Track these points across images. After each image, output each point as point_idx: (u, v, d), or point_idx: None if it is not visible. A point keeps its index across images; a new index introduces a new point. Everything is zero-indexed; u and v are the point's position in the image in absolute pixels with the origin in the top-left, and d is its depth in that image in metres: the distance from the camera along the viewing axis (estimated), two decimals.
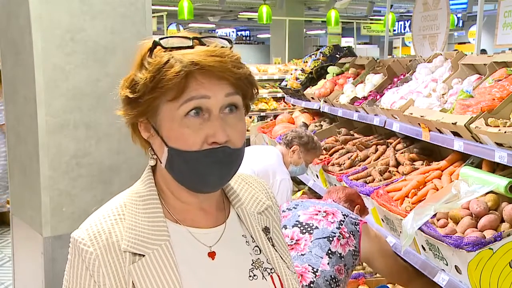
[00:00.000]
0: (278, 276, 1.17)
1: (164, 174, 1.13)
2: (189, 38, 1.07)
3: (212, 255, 1.12)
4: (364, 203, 2.85)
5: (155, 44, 1.07)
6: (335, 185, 3.45)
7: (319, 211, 2.47)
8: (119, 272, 1.05)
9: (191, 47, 1.06)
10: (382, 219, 2.85)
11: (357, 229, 2.45)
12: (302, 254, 2.30)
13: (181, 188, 1.11)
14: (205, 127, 1.04)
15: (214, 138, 1.04)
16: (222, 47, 1.07)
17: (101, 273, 1.05)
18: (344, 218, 2.45)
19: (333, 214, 2.45)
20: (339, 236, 2.36)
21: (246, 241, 1.18)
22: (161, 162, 1.10)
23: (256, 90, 1.12)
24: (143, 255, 1.06)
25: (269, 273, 1.16)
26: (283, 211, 2.55)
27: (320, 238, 2.34)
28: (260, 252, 1.18)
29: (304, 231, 2.39)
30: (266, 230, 1.21)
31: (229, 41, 1.10)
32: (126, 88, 1.09)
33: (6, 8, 2.98)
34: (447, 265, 2.22)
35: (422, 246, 2.41)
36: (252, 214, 1.21)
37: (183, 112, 1.03)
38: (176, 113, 1.04)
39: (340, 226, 2.40)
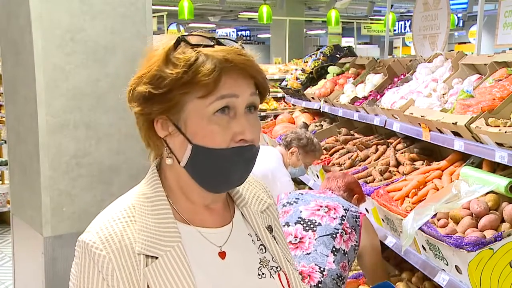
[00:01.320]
0: (285, 273, 1.18)
1: (178, 173, 1.11)
2: (208, 38, 1.07)
3: (222, 255, 1.12)
4: (362, 190, 2.85)
5: (179, 40, 1.06)
6: None
7: (321, 206, 2.46)
8: (133, 275, 1.04)
9: (212, 46, 1.06)
10: (383, 219, 2.85)
11: (358, 223, 2.45)
12: (307, 253, 2.30)
13: (194, 188, 1.11)
14: (232, 125, 1.05)
15: (242, 136, 1.05)
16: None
17: (115, 277, 1.03)
18: (346, 212, 2.44)
19: (334, 209, 2.44)
20: (342, 232, 2.36)
21: (252, 240, 1.19)
22: (179, 162, 1.09)
23: (269, 92, 1.14)
24: (156, 257, 1.05)
25: (275, 271, 1.17)
26: (284, 205, 2.54)
27: (323, 236, 2.34)
28: (266, 251, 1.19)
29: (307, 228, 2.38)
30: (269, 228, 1.22)
31: (241, 45, 1.10)
32: (145, 84, 1.05)
33: (6, 8, 2.98)
34: (447, 265, 2.22)
35: (422, 246, 2.40)
36: (256, 213, 1.21)
37: (213, 109, 1.03)
38: (205, 110, 1.03)
39: (342, 221, 2.39)
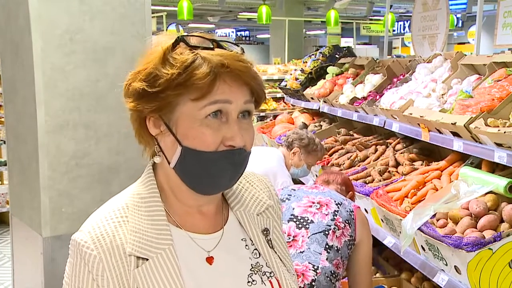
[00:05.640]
0: (277, 280, 1.16)
1: (167, 173, 1.11)
2: (208, 40, 1.07)
3: (210, 260, 1.11)
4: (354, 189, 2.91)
5: (178, 40, 1.05)
6: None
7: (313, 202, 2.45)
8: (123, 276, 1.03)
9: (212, 49, 1.05)
10: (382, 219, 2.85)
11: (352, 216, 2.43)
12: (301, 252, 2.29)
13: (183, 189, 1.10)
14: (223, 129, 1.04)
15: (232, 141, 1.04)
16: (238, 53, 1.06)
17: (105, 277, 1.03)
18: (338, 207, 2.43)
19: (326, 205, 2.43)
20: (334, 228, 2.35)
21: (246, 245, 1.17)
22: (168, 162, 1.08)
23: (265, 98, 1.13)
24: (147, 259, 1.05)
25: (268, 278, 1.15)
26: None
27: (316, 233, 2.34)
28: (260, 256, 1.17)
29: (300, 226, 2.38)
30: (265, 231, 1.20)
31: (242, 49, 1.09)
32: (141, 80, 1.05)
33: (6, 8, 2.98)
34: (446, 265, 2.22)
35: (421, 246, 2.40)
36: (252, 216, 1.19)
37: (205, 113, 1.03)
38: (197, 113, 1.03)
39: (335, 217, 2.39)
